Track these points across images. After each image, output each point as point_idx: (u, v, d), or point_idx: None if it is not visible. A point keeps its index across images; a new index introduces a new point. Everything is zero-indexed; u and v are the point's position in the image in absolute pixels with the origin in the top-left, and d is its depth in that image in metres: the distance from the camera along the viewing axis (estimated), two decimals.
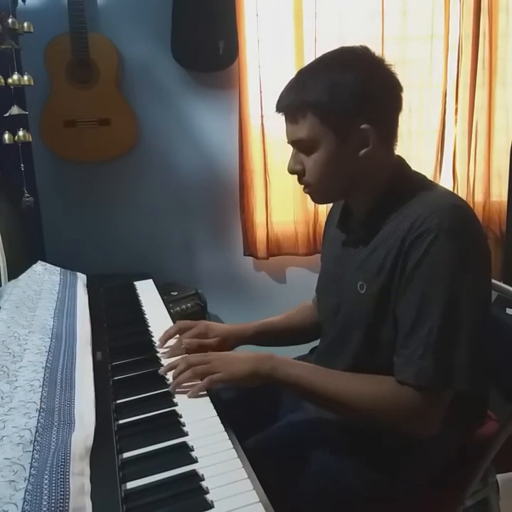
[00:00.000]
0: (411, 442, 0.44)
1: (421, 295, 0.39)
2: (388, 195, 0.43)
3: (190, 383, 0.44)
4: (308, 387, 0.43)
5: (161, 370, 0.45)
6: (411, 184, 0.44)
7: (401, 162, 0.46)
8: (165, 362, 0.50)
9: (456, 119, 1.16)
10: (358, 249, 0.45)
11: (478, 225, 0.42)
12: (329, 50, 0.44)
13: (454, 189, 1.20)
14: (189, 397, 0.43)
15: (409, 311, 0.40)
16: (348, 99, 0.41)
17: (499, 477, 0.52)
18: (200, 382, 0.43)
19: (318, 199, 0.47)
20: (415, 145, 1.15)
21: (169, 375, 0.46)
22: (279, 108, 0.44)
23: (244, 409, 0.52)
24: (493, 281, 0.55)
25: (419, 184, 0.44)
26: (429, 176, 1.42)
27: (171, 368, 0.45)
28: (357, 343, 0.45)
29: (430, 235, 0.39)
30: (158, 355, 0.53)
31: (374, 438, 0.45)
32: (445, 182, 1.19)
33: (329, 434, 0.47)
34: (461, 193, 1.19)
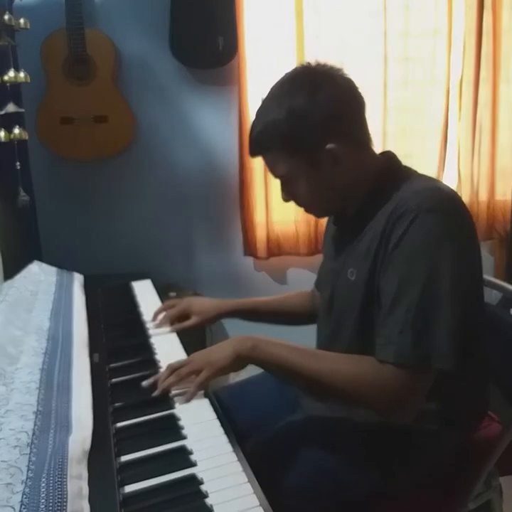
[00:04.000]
0: (409, 439, 0.44)
1: (401, 274, 0.39)
2: (377, 188, 0.45)
3: (180, 391, 0.44)
4: (289, 365, 0.42)
5: (144, 383, 0.45)
6: (398, 176, 0.44)
7: (388, 158, 0.47)
8: (164, 362, 0.50)
9: (459, 117, 1.15)
10: (350, 240, 0.47)
11: (459, 204, 0.42)
12: (278, 81, 0.45)
13: (458, 188, 1.18)
14: (181, 404, 0.43)
15: (390, 289, 0.40)
16: (304, 125, 0.42)
17: (502, 480, 0.52)
18: (189, 388, 0.43)
19: (319, 216, 0.52)
20: (418, 143, 1.13)
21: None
22: (251, 153, 0.46)
23: (241, 411, 0.52)
24: (497, 281, 0.55)
25: (406, 175, 0.45)
26: (433, 174, 1.38)
27: (156, 379, 0.45)
28: (351, 329, 0.45)
29: (410, 215, 0.39)
30: (156, 357, 0.52)
31: (371, 437, 0.45)
32: (449, 180, 1.18)
33: (327, 433, 0.47)
34: (465, 192, 1.17)
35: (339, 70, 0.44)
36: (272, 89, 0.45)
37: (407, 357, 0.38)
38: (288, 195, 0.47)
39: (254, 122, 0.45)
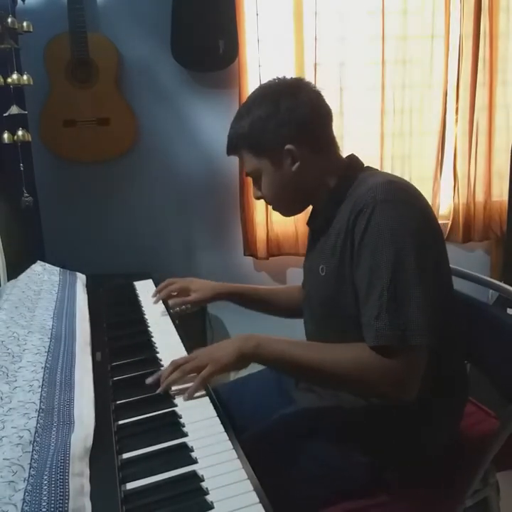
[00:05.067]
0: (399, 424, 0.45)
1: (370, 264, 0.42)
2: (337, 189, 0.48)
3: (184, 386, 0.44)
4: (293, 360, 0.44)
5: (148, 380, 0.46)
6: (357, 175, 0.48)
7: (350, 162, 0.50)
8: (166, 360, 0.51)
9: (456, 119, 1.16)
10: (319, 239, 0.50)
11: (413, 193, 0.45)
12: (253, 91, 0.51)
13: (454, 189, 1.19)
14: (185, 400, 0.43)
15: (363, 281, 0.43)
16: (264, 127, 0.47)
17: (499, 475, 0.52)
18: (192, 384, 0.44)
19: (284, 214, 0.53)
20: (416, 145, 1.14)
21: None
22: (227, 152, 0.52)
23: (240, 408, 0.53)
24: (494, 281, 0.55)
25: (365, 173, 0.48)
26: (430, 176, 1.39)
27: (159, 376, 0.46)
28: (327, 323, 0.48)
29: (368, 209, 0.43)
30: (158, 355, 0.53)
31: (364, 424, 0.46)
32: (446, 182, 1.19)
33: (320, 424, 0.48)
34: (462, 193, 1.18)
35: (307, 84, 0.49)
36: (247, 97, 0.51)
37: (386, 338, 0.40)
38: (257, 191, 0.51)
39: (231, 125, 0.50)
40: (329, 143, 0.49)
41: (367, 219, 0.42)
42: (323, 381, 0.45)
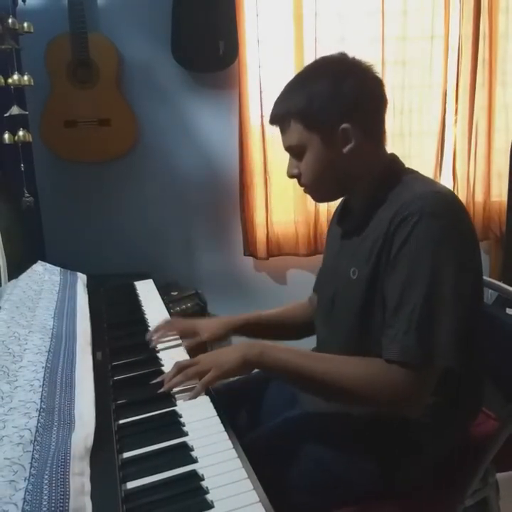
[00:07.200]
0: (407, 433, 0.44)
1: (405, 275, 0.41)
2: (379, 187, 0.46)
3: (185, 387, 0.45)
4: (297, 370, 0.43)
5: (152, 382, 0.46)
6: (401, 177, 0.46)
7: (393, 159, 0.48)
8: (166, 361, 0.51)
9: (456, 120, 1.16)
10: (352, 239, 0.48)
11: (461, 209, 0.43)
12: (313, 62, 0.49)
13: (454, 189, 1.20)
14: (183, 401, 0.43)
15: (395, 291, 0.41)
16: (324, 102, 0.44)
17: (499, 476, 0.52)
18: (195, 386, 0.44)
19: (317, 198, 0.51)
20: (415, 145, 1.15)
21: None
22: (270, 120, 0.48)
23: (242, 408, 0.53)
24: (493, 281, 0.55)
25: (408, 176, 0.46)
26: (430, 176, 1.40)
27: (163, 378, 0.46)
28: (351, 329, 0.46)
29: (413, 219, 0.41)
30: (159, 355, 0.53)
31: (370, 430, 0.45)
32: (445, 182, 1.19)
33: (325, 428, 0.47)
34: (462, 193, 1.19)
35: (370, 66, 0.47)
36: (306, 67, 0.48)
37: (412, 355, 0.39)
38: (293, 168, 0.47)
39: (281, 93, 0.47)
40: (381, 133, 0.47)
41: (410, 229, 0.40)
42: (328, 394, 0.44)
